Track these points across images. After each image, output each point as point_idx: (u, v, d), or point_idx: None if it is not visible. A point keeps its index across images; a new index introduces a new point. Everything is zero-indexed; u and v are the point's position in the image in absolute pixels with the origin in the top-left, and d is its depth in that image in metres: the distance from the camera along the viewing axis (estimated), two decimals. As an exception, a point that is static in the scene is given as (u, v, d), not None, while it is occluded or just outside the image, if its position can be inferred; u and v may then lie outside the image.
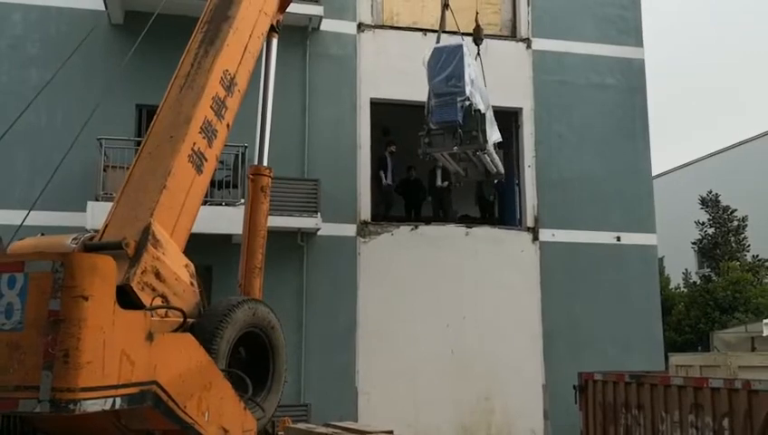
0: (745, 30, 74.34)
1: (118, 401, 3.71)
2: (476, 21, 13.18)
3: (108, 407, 3.65)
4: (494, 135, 11.81)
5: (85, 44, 12.13)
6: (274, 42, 6.82)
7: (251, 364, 5.25)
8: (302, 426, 7.43)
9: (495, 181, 13.50)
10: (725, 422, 7.18)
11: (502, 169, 12.58)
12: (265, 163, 6.56)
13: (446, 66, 10.84)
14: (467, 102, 10.76)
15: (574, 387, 10.18)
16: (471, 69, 11.06)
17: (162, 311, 4.34)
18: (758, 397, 6.89)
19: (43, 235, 4.62)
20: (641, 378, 8.89)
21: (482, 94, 11.59)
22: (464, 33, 13.29)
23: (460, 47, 11.00)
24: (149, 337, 3.98)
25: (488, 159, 11.68)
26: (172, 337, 4.31)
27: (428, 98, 11.29)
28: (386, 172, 14.84)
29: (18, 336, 3.59)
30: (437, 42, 11.82)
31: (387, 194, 15.06)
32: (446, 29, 13.92)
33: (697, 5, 78.26)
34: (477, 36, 12.84)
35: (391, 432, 6.75)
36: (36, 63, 12.64)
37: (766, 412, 6.65)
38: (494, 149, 12.05)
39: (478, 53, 12.68)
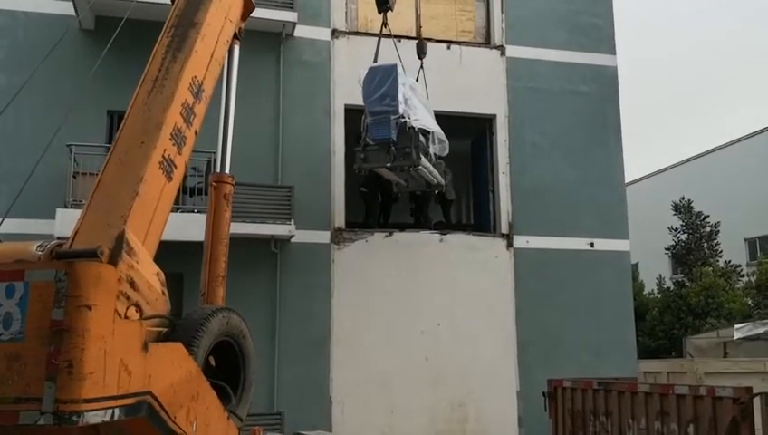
0: (721, 37, 75.51)
1: (116, 411, 3.65)
2: (419, 34, 13.38)
3: (108, 418, 3.59)
4: (440, 149, 12.53)
5: (55, 50, 12.00)
6: (237, 49, 6.75)
7: (221, 373, 5.20)
8: (270, 436, 7.34)
9: (437, 192, 13.94)
10: (691, 429, 7.20)
11: (442, 181, 13.10)
12: (228, 171, 6.46)
13: (380, 86, 11.28)
14: (402, 120, 11.22)
15: (544, 394, 10.21)
16: (406, 87, 11.49)
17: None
18: (722, 403, 6.91)
19: (0, 241, 4.50)
20: (609, 385, 8.92)
21: (422, 109, 12.02)
22: (405, 37, 13.90)
23: (394, 67, 11.39)
24: (145, 347, 3.95)
25: (426, 172, 12.13)
26: (165, 347, 4.26)
27: (365, 115, 11.71)
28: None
29: (18, 347, 3.50)
30: (375, 60, 12.11)
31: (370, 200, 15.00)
32: (426, 38, 14.10)
33: (672, 12, 79.36)
34: (420, 51, 13.13)
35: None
36: (4, 69, 12.43)
37: (730, 419, 6.68)
38: (434, 160, 12.59)
39: (422, 66, 13.03)
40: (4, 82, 12.22)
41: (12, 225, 10.62)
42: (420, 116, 11.77)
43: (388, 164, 11.48)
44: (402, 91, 11.24)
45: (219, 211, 6.23)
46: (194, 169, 12.37)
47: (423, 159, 11.61)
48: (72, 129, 11.47)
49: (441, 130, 12.71)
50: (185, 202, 12.29)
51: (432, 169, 12.31)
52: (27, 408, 3.42)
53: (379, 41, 12.49)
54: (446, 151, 12.92)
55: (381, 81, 11.26)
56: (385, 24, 12.71)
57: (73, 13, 12.45)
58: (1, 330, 3.55)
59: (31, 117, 12.09)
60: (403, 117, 11.21)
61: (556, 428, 9.79)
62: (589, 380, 9.49)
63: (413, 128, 11.37)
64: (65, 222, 10.70)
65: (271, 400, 12.69)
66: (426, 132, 12.13)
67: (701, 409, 7.14)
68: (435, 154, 12.51)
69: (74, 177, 11.64)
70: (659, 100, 76.14)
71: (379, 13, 12.74)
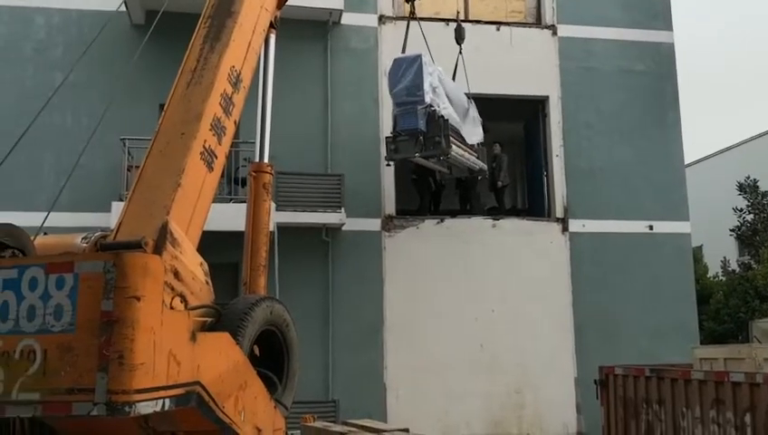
0: (784, 10, 72.38)
1: (167, 402, 3.70)
2: (457, 19, 13.22)
3: (158, 408, 3.64)
4: (475, 135, 12.57)
5: (108, 45, 12.24)
6: (272, 38, 6.74)
7: (266, 363, 5.21)
8: (318, 424, 7.39)
9: (480, 178, 14.06)
10: (747, 418, 6.89)
11: (485, 166, 13.26)
12: (266, 160, 6.48)
13: (405, 76, 11.26)
14: (431, 109, 11.15)
15: (595, 381, 9.96)
16: (433, 77, 11.38)
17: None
18: None
19: (45, 234, 4.58)
20: (661, 372, 8.62)
21: (454, 97, 11.95)
22: (451, 20, 13.80)
23: (419, 57, 11.32)
24: (193, 337, 3.99)
25: (461, 159, 12.08)
26: (212, 337, 4.31)
27: (393, 106, 11.81)
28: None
29: (70, 338, 3.56)
30: (403, 50, 12.06)
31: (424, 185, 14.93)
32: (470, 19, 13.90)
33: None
34: (459, 36, 13.00)
35: (407, 431, 6.65)
36: (60, 66, 12.75)
37: (789, 407, 6.39)
38: (477, 147, 12.65)
39: (460, 52, 12.93)
40: (61, 80, 12.52)
41: (69, 218, 10.95)
42: (457, 101, 11.68)
43: (416, 154, 11.48)
44: (429, 81, 11.15)
45: (259, 201, 6.26)
46: (245, 159, 12.47)
47: (454, 147, 11.51)
48: (126, 123, 11.71)
49: (478, 116, 12.66)
50: (237, 193, 12.43)
51: (468, 155, 12.18)
52: (80, 399, 3.46)
53: (407, 31, 12.46)
54: (482, 138, 12.95)
55: (406, 71, 11.23)
56: (412, 13, 12.67)
57: (124, 8, 12.67)
58: (52, 322, 3.60)
59: (88, 112, 12.38)
60: (431, 106, 11.13)
61: (608, 416, 9.55)
62: (641, 367, 9.21)
63: (442, 117, 11.29)
64: (121, 215, 10.90)
65: (326, 387, 12.76)
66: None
67: (758, 397, 6.83)
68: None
69: (129, 170, 11.87)
70: (721, 75, 73.59)
71: (407, 2, 12.72)
